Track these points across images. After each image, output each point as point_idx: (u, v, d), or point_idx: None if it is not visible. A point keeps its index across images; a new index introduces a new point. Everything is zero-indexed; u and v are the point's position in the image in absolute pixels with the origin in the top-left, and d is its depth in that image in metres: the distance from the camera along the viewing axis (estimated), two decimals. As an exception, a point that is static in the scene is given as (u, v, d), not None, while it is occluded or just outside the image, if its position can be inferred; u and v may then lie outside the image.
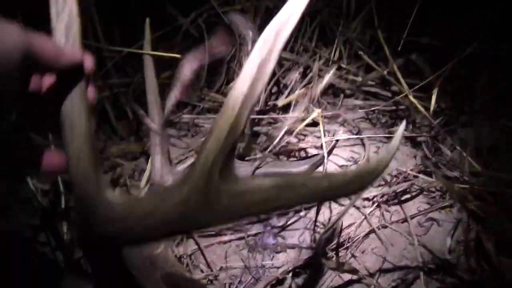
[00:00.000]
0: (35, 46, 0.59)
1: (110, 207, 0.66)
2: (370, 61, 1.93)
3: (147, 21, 1.33)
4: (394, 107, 1.89)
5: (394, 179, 1.64)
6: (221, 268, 1.49)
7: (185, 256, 1.49)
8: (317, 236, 1.52)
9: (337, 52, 2.01)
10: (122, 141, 1.86)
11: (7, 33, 0.56)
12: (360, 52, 1.96)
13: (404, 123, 0.70)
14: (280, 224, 1.57)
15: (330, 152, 1.47)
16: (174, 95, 1.32)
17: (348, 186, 0.65)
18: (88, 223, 0.67)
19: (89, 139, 0.67)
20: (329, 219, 1.58)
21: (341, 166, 1.74)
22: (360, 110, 1.94)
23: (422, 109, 1.70)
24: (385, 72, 1.86)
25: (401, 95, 1.77)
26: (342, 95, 1.95)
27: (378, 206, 1.60)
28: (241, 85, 0.64)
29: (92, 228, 0.67)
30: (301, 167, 1.40)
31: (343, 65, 1.98)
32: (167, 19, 2.16)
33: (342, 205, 1.60)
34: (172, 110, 1.36)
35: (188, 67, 1.32)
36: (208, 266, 1.50)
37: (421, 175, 1.63)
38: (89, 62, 0.69)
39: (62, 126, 0.67)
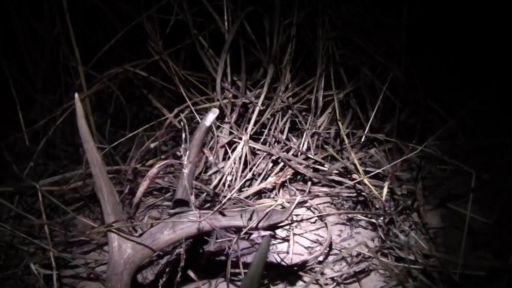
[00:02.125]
0: None
1: None
2: (334, 153, 2.15)
3: (76, 96, 1.38)
4: (355, 194, 2.09)
5: (354, 259, 1.83)
6: None
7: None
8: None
9: (306, 144, 2.24)
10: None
11: None
12: (326, 146, 2.19)
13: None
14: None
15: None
16: (142, 185, 1.49)
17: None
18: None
19: None
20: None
21: (307, 248, 1.92)
22: (325, 196, 2.15)
23: (376, 192, 1.91)
24: (348, 163, 2.08)
25: (358, 180, 1.99)
26: (309, 183, 2.15)
27: (338, 284, 1.76)
28: None
29: None
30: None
31: (311, 156, 2.19)
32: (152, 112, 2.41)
33: (304, 282, 1.78)
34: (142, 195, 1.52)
35: (157, 167, 1.50)
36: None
37: (379, 256, 1.81)
38: None
39: None
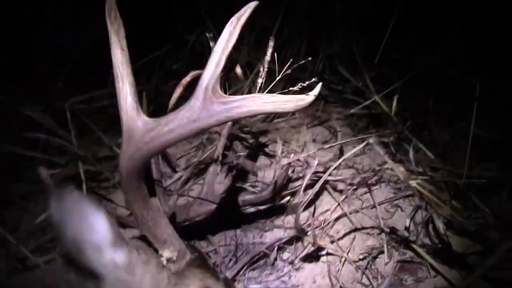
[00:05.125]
0: None
1: (148, 122, 1.02)
2: (347, 74, 2.22)
3: None
4: (368, 112, 2.18)
5: (365, 173, 1.93)
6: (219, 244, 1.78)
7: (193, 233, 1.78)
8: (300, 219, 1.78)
9: (321, 65, 2.31)
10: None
11: None
12: (339, 67, 2.26)
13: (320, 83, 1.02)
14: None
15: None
16: (176, 91, 1.56)
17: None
18: (130, 138, 1.02)
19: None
20: (314, 209, 1.87)
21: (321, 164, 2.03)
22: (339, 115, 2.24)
23: (386, 109, 2.00)
24: (360, 84, 2.16)
25: (370, 100, 2.09)
26: (323, 102, 2.24)
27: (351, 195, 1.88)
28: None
29: (133, 138, 1.02)
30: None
31: (326, 76, 2.27)
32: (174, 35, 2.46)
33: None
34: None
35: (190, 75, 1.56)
36: (210, 243, 1.79)
37: (388, 170, 1.90)
38: None
39: None
